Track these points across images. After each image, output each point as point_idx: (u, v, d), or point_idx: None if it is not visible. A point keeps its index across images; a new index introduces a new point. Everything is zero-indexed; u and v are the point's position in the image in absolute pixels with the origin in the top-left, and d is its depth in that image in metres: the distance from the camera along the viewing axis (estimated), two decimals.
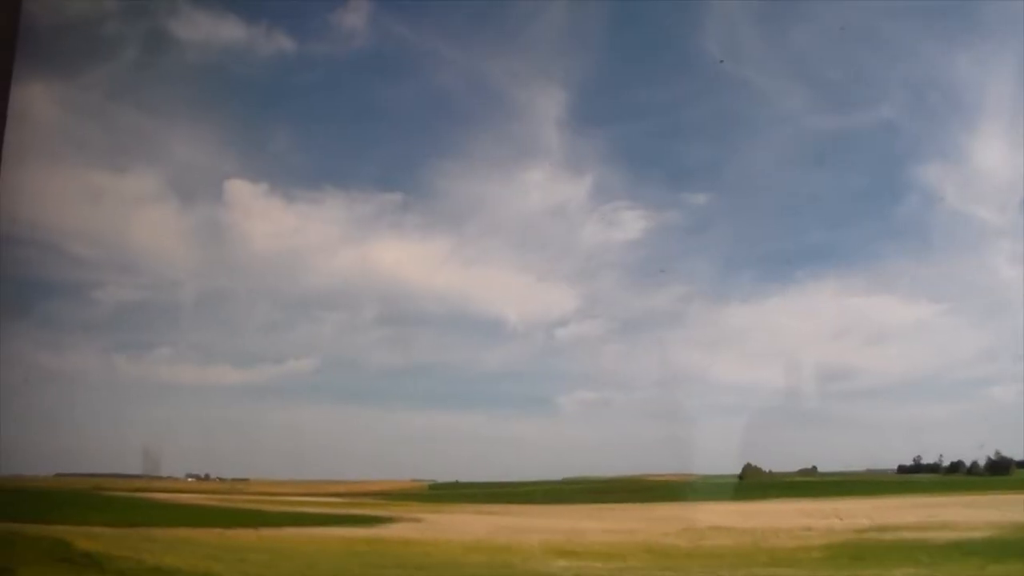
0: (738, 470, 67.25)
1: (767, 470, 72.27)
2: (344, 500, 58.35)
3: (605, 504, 47.73)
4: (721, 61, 46.74)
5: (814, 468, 77.85)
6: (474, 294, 57.86)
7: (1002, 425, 47.41)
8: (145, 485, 55.35)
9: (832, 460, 67.35)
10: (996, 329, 52.75)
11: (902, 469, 74.15)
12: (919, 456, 71.69)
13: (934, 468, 69.54)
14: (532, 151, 55.46)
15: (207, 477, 68.16)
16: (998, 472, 58.38)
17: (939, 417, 61.11)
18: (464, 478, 79.43)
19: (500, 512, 42.43)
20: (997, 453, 61.61)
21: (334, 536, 27.93)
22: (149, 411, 44.53)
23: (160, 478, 58.08)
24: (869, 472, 71.37)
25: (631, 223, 52.79)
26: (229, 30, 48.50)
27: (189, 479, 67.13)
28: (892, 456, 66.69)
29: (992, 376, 57.45)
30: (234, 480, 68.62)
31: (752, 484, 61.62)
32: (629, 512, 39.70)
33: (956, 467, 67.43)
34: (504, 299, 58.58)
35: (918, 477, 62.33)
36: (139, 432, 43.88)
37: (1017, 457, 59.42)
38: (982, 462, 68.08)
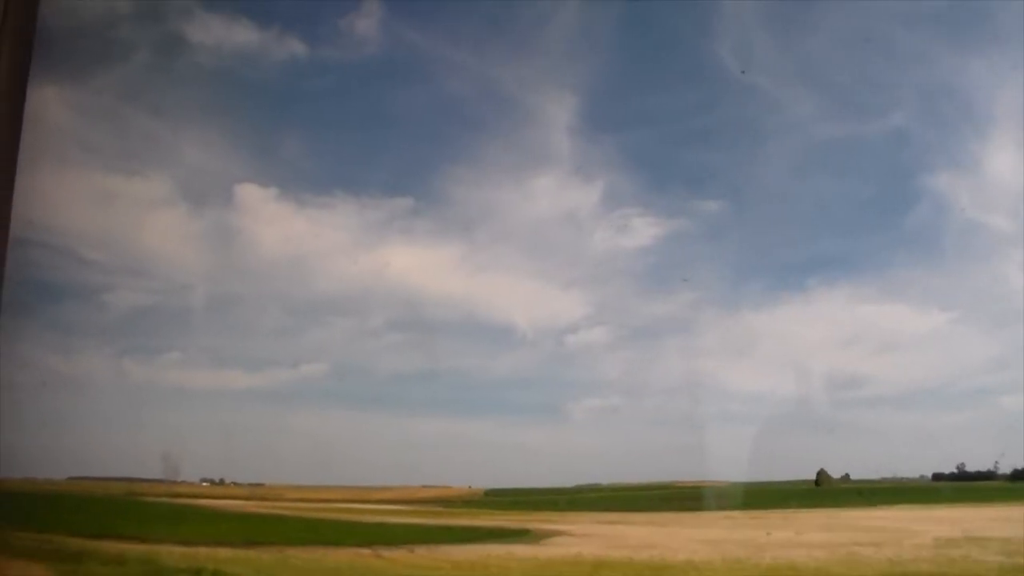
0: (751, 477, 63.15)
1: (834, 476, 69.05)
2: (411, 508, 52.36)
3: (714, 512, 43.02)
4: (743, 72, 44.82)
5: (847, 476, 74.33)
6: (484, 300, 56.35)
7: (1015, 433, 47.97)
8: (168, 490, 49.82)
9: (841, 467, 64.09)
10: (1008, 337, 51.66)
11: (937, 477, 70.94)
12: (962, 463, 68.94)
13: (987, 476, 66.53)
14: (543, 157, 53.92)
15: (222, 482, 63.60)
16: None
17: (954, 425, 60.25)
18: (476, 484, 76.69)
19: (624, 521, 37.06)
20: None
21: (522, 557, 22.19)
22: (161, 415, 41.62)
23: (176, 482, 51.91)
24: (884, 480, 68.41)
25: (642, 230, 51.18)
26: (241, 34, 47.64)
27: (203, 484, 61.62)
28: (910, 464, 62.85)
29: (1004, 384, 57.14)
30: (250, 485, 64.19)
31: (844, 491, 57.54)
32: (794, 519, 34.84)
33: (1021, 474, 64.60)
34: (514, 305, 56.46)
35: (1007, 485, 58.68)
36: (152, 436, 41.71)
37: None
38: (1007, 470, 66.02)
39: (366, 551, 23.27)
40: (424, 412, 54.66)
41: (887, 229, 59.27)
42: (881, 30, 48.93)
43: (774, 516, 38.64)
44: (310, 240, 50.24)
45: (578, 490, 71.01)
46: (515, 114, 53.68)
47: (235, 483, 69.10)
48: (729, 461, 44.72)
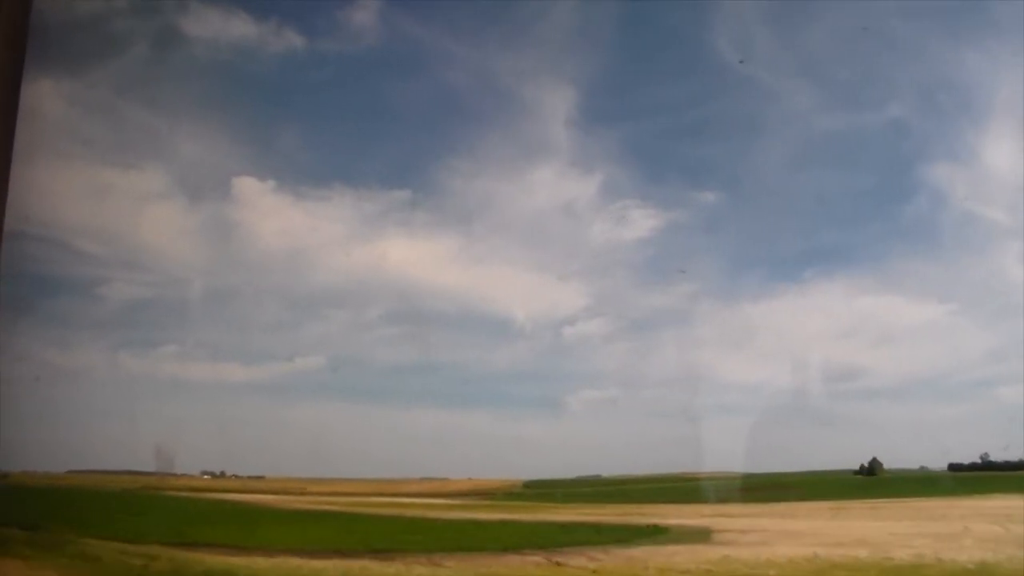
0: (746, 468, 59.81)
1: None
2: (464, 502, 46.25)
3: (814, 502, 38.97)
4: (741, 61, 45.38)
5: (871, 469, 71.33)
6: (482, 292, 55.88)
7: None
8: (184, 484, 48.53)
9: (842, 459, 62.78)
10: (1006, 329, 50.60)
11: (954, 467, 68.91)
12: (986, 453, 67.15)
13: (1018, 465, 64.49)
14: (541, 149, 53.67)
15: (223, 474, 60.75)
16: None
17: (952, 417, 61.04)
18: (475, 475, 72.71)
19: (742, 514, 32.30)
20: None
21: (752, 563, 17.10)
22: (158, 408, 39.81)
23: (175, 475, 49.35)
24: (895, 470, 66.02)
25: (640, 222, 51.67)
26: (239, 27, 47.29)
27: (204, 476, 59.36)
28: (913, 455, 62.81)
29: (1002, 376, 57.41)
30: (249, 478, 61.32)
31: (908, 479, 54.34)
32: (929, 509, 31.00)
33: None
34: (512, 297, 56.55)
35: None
36: (149, 429, 39.38)
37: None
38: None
39: (536, 558, 17.84)
40: (422, 405, 55.21)
41: (885, 221, 59.71)
42: (878, 22, 48.45)
43: (895, 506, 34.54)
44: (307, 233, 50.54)
45: (609, 482, 66.35)
46: (513, 106, 53.58)
47: (236, 476, 64.98)
48: (733, 452, 45.44)
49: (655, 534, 23.55)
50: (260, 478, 67.51)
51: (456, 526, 25.30)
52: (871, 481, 54.96)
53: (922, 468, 67.74)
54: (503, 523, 27.17)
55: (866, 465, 65.09)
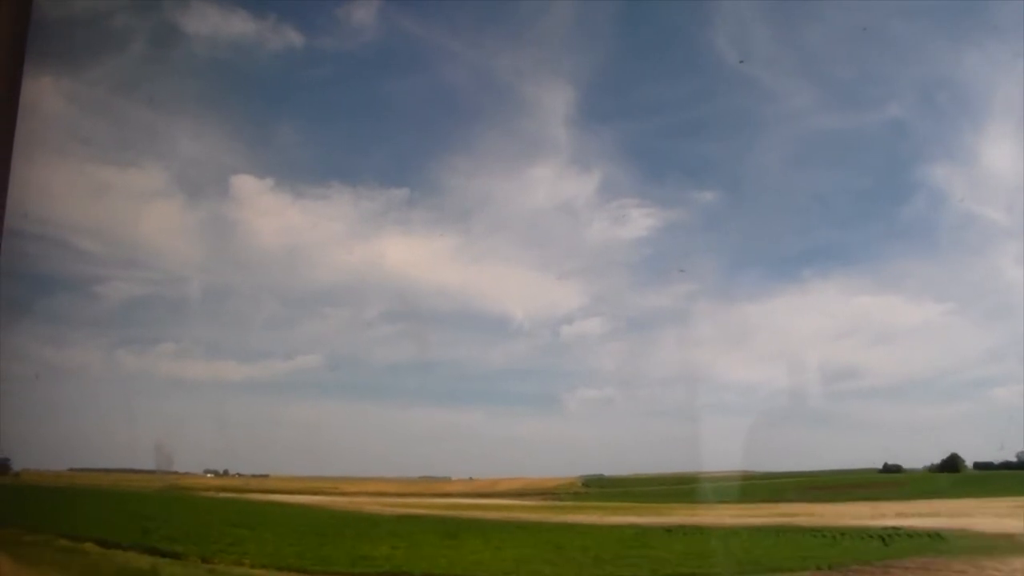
0: (744, 467, 55.42)
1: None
2: (541, 503, 40.23)
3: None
4: (741, 61, 45.15)
5: (898, 465, 67.44)
6: (480, 290, 56.65)
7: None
8: (206, 483, 49.23)
9: (845, 459, 59.46)
10: (1002, 330, 51.77)
11: (979, 466, 65.60)
12: (1021, 452, 63.73)
13: None
14: (540, 148, 53.82)
15: (226, 473, 59.96)
16: None
17: (949, 417, 58.21)
18: (475, 475, 68.55)
19: (961, 512, 26.31)
20: None
21: None
22: (157, 406, 41.23)
23: (177, 473, 46.93)
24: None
25: (638, 220, 51.91)
26: (238, 24, 48.21)
27: (208, 475, 58.02)
28: (913, 455, 60.77)
29: (999, 376, 54.88)
30: (253, 476, 59.81)
31: (1007, 477, 49.23)
32: None
33: None
34: (510, 296, 56.55)
35: None
36: (150, 427, 39.70)
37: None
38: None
39: None
40: (419, 403, 54.51)
41: (883, 220, 57.81)
42: (877, 23, 47.02)
43: None
44: (306, 231, 50.44)
45: (658, 480, 60.72)
46: (512, 104, 53.28)
47: (239, 474, 60.31)
48: (734, 451, 44.37)
49: (938, 541, 17.17)
50: (264, 476, 62.42)
51: (648, 536, 18.57)
52: (967, 478, 49.70)
53: (928, 468, 63.97)
54: (710, 530, 20.52)
55: (891, 463, 61.56)
